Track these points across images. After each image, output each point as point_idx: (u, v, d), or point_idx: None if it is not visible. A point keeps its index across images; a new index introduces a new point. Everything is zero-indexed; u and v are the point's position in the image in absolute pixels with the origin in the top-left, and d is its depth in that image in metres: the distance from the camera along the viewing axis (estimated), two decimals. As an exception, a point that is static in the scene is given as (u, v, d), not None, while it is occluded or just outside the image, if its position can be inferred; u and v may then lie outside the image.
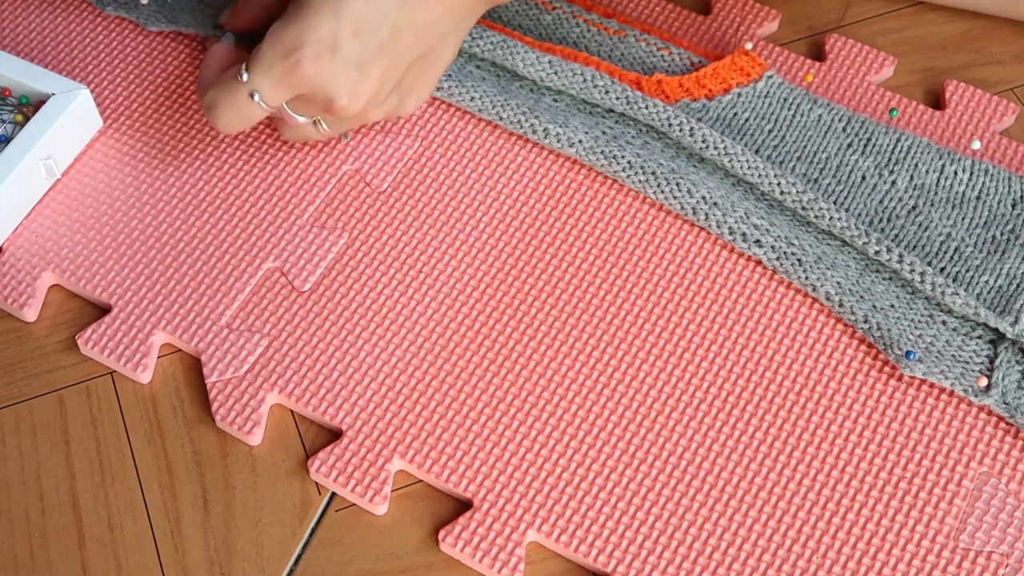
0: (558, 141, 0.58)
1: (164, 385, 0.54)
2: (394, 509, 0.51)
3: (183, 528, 0.50)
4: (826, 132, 0.60)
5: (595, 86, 0.59)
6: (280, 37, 0.52)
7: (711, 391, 0.53)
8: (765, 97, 0.61)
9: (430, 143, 0.60)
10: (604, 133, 0.59)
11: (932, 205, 0.58)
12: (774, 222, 0.56)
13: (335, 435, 0.53)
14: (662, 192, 0.57)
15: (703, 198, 0.56)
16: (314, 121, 0.56)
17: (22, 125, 0.57)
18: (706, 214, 0.56)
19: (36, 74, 0.58)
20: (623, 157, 0.58)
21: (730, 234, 0.56)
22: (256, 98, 0.53)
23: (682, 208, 0.57)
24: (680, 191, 0.57)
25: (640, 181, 0.57)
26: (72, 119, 0.58)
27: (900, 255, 0.55)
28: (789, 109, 0.61)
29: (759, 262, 0.56)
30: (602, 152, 0.58)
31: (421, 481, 0.52)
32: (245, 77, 0.52)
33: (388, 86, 0.54)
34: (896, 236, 0.57)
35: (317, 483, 0.52)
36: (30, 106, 0.59)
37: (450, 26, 0.54)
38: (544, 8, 0.65)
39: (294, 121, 0.55)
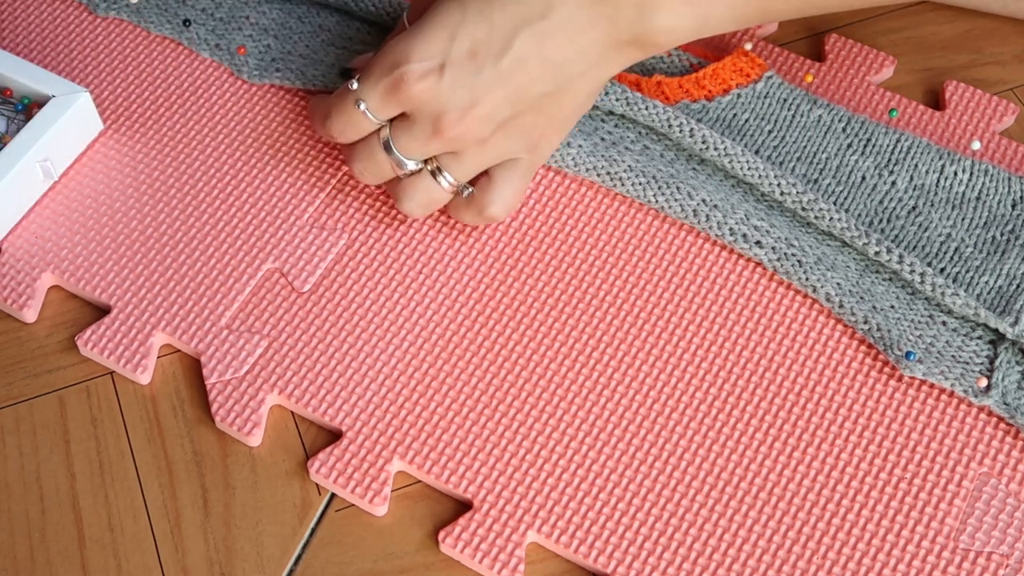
0: None
1: (164, 385, 0.54)
2: (394, 509, 0.51)
3: (183, 528, 0.50)
4: (826, 132, 0.60)
5: (595, 86, 0.59)
6: (391, 50, 0.51)
7: (711, 392, 0.53)
8: (765, 98, 0.61)
9: (430, 143, 0.60)
10: (603, 139, 0.59)
11: (932, 205, 0.58)
12: (774, 223, 0.56)
13: (335, 436, 0.53)
14: (662, 195, 0.57)
15: (703, 201, 0.56)
16: (432, 172, 0.53)
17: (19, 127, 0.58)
18: (707, 216, 0.56)
19: (37, 75, 0.58)
20: (622, 161, 0.57)
21: (731, 235, 0.56)
22: (362, 107, 0.52)
23: (682, 210, 0.57)
24: (680, 194, 0.57)
25: (640, 184, 0.57)
26: (71, 122, 0.58)
27: (900, 256, 0.55)
28: (789, 110, 0.61)
29: (759, 263, 0.56)
30: (602, 155, 0.58)
31: (421, 481, 0.52)
32: (355, 85, 0.52)
33: (504, 114, 0.51)
34: (896, 237, 0.57)
35: (317, 483, 0.52)
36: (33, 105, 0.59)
37: (579, 69, 0.52)
38: None
39: (403, 170, 0.53)
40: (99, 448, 0.52)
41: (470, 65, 0.50)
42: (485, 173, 0.54)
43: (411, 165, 0.53)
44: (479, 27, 0.50)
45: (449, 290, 0.56)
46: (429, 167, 0.53)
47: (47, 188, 0.58)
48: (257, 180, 0.59)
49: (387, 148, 0.53)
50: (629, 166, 0.57)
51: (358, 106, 0.52)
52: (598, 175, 0.58)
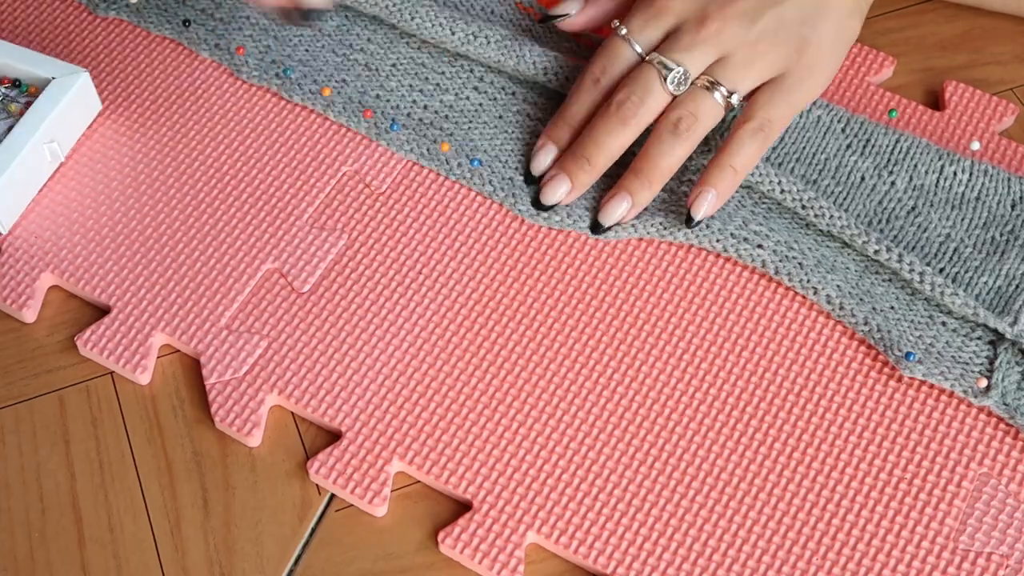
0: None
1: (164, 385, 0.54)
2: (394, 509, 0.51)
3: (183, 528, 0.50)
4: (825, 133, 0.60)
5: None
6: None
7: (711, 392, 0.53)
8: (765, 98, 0.61)
9: (430, 143, 0.60)
10: None
11: (931, 206, 0.58)
12: (773, 227, 0.56)
13: (335, 436, 0.53)
14: (660, 212, 0.57)
15: None
16: (705, 87, 0.55)
17: (17, 118, 0.58)
18: (707, 224, 0.56)
19: (34, 59, 0.59)
20: None
21: (732, 239, 0.56)
22: (623, 32, 0.56)
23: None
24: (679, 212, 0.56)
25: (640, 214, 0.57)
26: (74, 101, 0.58)
27: (900, 255, 0.55)
28: (789, 110, 0.61)
29: (756, 267, 0.56)
30: (593, 196, 0.58)
31: (421, 481, 0.52)
32: (618, 25, 0.56)
33: (764, 10, 0.54)
34: (895, 237, 0.57)
35: (317, 484, 0.52)
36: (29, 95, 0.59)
37: None
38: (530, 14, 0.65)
39: (673, 84, 0.54)
40: (99, 448, 0.52)
41: None
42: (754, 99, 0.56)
43: (680, 73, 0.54)
44: None
45: (449, 290, 0.56)
46: (701, 83, 0.55)
47: (53, 170, 0.58)
48: (257, 180, 0.59)
49: (657, 66, 0.55)
50: None
51: (631, 45, 0.56)
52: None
